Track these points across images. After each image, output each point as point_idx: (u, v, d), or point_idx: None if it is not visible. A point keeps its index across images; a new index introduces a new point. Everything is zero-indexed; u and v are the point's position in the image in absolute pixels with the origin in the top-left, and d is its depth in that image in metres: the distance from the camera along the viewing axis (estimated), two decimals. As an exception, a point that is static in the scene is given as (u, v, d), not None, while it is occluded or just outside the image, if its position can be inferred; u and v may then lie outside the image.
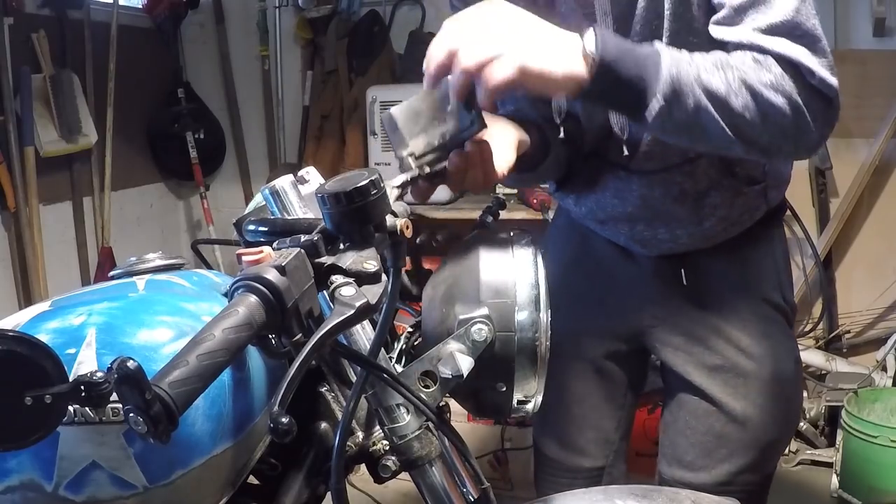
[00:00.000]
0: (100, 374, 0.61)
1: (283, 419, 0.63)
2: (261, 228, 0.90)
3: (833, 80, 0.98)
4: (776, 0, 0.96)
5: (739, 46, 0.98)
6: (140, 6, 3.49)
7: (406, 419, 0.82)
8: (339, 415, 0.90)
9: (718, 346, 1.25)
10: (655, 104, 0.92)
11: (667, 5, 1.05)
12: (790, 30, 0.96)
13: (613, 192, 1.22)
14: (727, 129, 0.94)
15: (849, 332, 2.84)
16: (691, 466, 1.29)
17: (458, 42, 0.87)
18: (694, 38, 1.05)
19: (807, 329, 2.86)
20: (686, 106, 0.92)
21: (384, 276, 0.77)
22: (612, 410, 1.42)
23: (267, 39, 3.55)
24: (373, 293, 0.74)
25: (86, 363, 0.74)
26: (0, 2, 2.72)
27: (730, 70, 0.94)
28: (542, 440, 1.47)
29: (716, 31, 1.01)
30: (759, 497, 1.31)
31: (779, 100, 0.95)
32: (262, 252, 0.81)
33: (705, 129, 0.94)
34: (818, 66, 0.97)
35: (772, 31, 0.96)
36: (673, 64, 0.92)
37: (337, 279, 0.74)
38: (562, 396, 1.38)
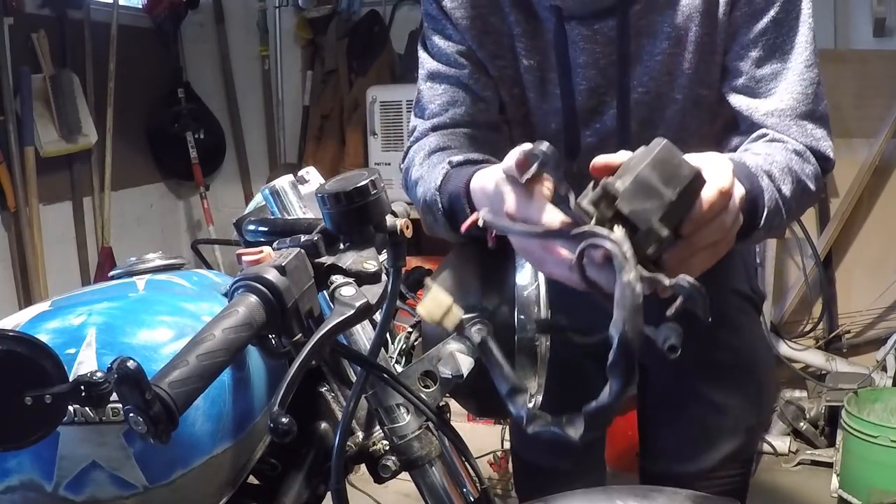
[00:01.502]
0: (100, 374, 0.61)
1: (283, 419, 0.63)
2: (261, 228, 0.90)
3: (833, 157, 1.10)
4: (797, 80, 1.05)
5: (763, 123, 1.06)
6: (140, 6, 3.49)
7: (406, 419, 0.82)
8: (339, 415, 0.90)
9: (693, 340, 1.26)
10: (760, 233, 0.97)
11: (688, 60, 1.09)
12: (811, 112, 1.06)
13: None
14: (785, 222, 1.02)
15: (849, 332, 2.84)
16: (676, 459, 1.29)
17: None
18: (706, 90, 1.12)
19: (807, 329, 2.86)
20: (775, 223, 0.98)
21: (384, 276, 0.76)
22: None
23: (267, 39, 3.55)
24: (373, 293, 0.73)
25: (86, 363, 0.74)
26: (0, 2, 2.72)
27: (792, 174, 1.01)
28: (518, 443, 1.47)
29: (737, 101, 1.09)
30: (743, 482, 1.33)
31: (813, 187, 1.06)
32: (262, 252, 0.81)
33: (776, 230, 1.03)
34: (831, 150, 1.08)
35: (795, 114, 1.05)
36: (771, 196, 0.96)
37: (337, 279, 0.74)
38: None
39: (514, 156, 0.74)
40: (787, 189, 0.99)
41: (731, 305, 1.28)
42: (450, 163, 1.02)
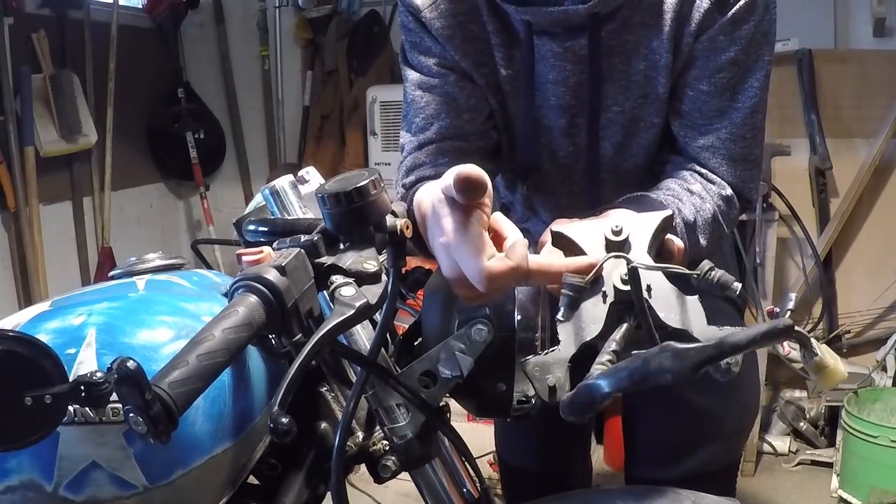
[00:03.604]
0: (100, 374, 0.61)
1: (283, 419, 0.63)
2: (261, 228, 0.90)
3: (755, 200, 1.17)
4: (740, 122, 1.07)
5: (696, 156, 1.10)
6: (140, 6, 3.49)
7: (406, 419, 0.82)
8: (339, 415, 0.90)
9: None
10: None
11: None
12: (745, 155, 1.10)
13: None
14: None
15: (849, 332, 2.84)
16: (660, 463, 1.29)
17: None
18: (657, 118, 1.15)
19: (807, 329, 2.86)
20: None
21: (384, 276, 0.76)
22: None
23: (267, 39, 3.55)
24: (373, 293, 0.73)
25: (86, 363, 0.74)
26: (0, 2, 2.72)
27: (715, 224, 1.06)
28: (503, 450, 1.47)
29: (676, 126, 1.12)
30: (729, 484, 1.32)
31: (727, 231, 1.12)
32: (262, 252, 0.81)
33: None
34: (755, 192, 1.14)
35: (729, 154, 1.09)
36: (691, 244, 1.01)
37: (337, 279, 0.74)
38: None
39: (451, 175, 0.70)
40: (704, 239, 1.04)
41: (711, 307, 1.27)
42: (404, 185, 1.03)
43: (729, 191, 1.09)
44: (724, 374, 0.72)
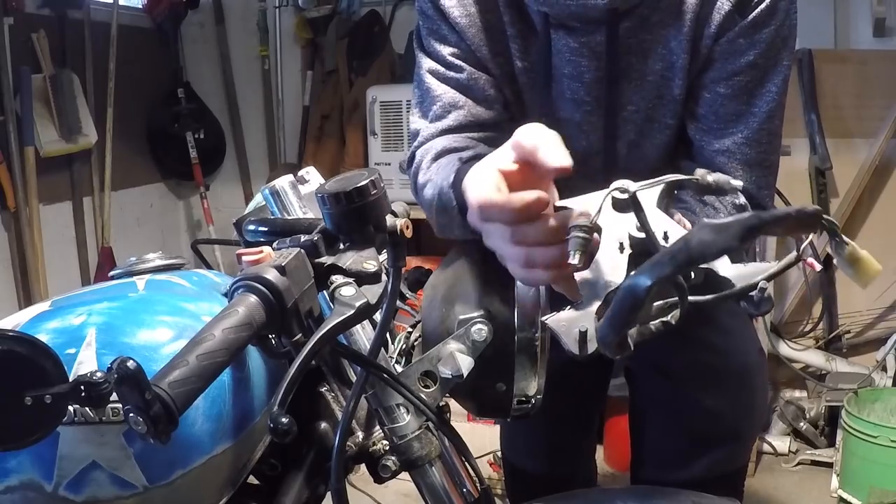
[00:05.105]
0: (100, 374, 0.61)
1: (283, 419, 0.63)
2: (261, 228, 0.90)
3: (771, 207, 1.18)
4: (756, 127, 1.08)
5: (712, 159, 1.10)
6: (140, 6, 3.49)
7: (406, 419, 0.82)
8: (339, 415, 0.90)
9: (684, 345, 1.25)
10: None
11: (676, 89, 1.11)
12: (761, 161, 1.11)
13: None
14: None
15: (849, 332, 2.84)
16: (668, 466, 1.28)
17: None
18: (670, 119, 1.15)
19: (807, 329, 2.86)
20: None
21: (384, 276, 0.77)
22: (575, 416, 1.41)
23: (267, 39, 3.55)
24: (373, 293, 0.74)
25: (86, 363, 0.74)
26: (0, 2, 2.72)
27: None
28: (509, 451, 1.47)
29: (692, 129, 1.12)
30: (736, 487, 1.32)
31: None
32: (262, 252, 0.81)
33: None
34: (770, 199, 1.17)
35: (745, 158, 1.10)
36: None
37: (337, 279, 0.74)
38: None
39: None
40: None
41: (721, 308, 1.26)
42: (460, 159, 1.00)
43: (742, 199, 1.09)
44: (758, 305, 0.69)
